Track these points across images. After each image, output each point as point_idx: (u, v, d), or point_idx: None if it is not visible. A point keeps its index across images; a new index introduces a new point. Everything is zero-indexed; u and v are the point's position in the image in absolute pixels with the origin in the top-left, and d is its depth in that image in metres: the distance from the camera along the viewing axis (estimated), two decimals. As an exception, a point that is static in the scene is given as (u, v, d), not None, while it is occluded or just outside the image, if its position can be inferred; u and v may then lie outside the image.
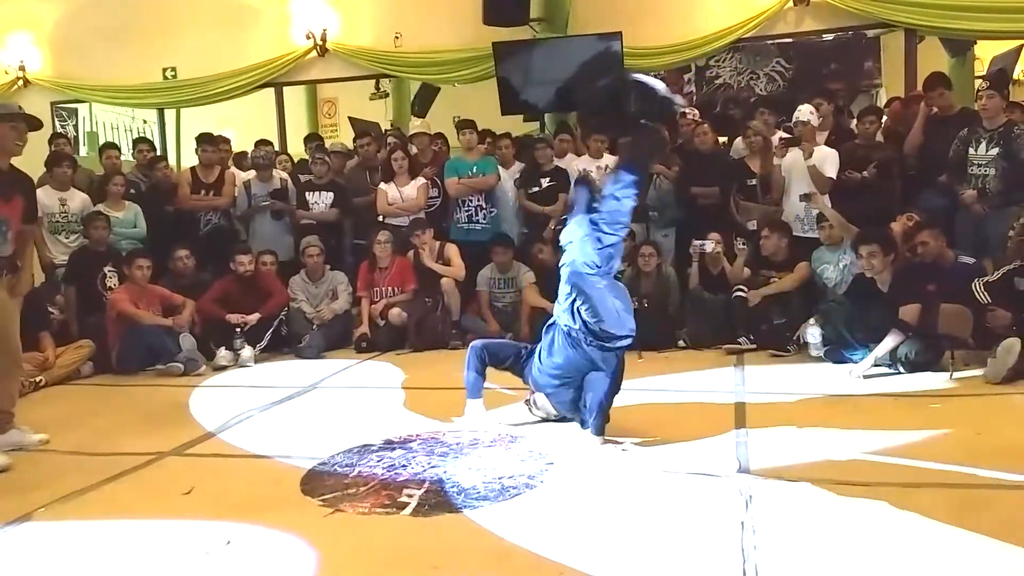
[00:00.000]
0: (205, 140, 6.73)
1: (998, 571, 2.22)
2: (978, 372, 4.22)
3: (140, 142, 7.51)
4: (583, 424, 3.51)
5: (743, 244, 5.54)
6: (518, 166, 6.60)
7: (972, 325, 4.49)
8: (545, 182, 6.35)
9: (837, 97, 7.47)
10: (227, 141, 7.23)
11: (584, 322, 3.38)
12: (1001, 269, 4.65)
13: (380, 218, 6.41)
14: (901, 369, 4.38)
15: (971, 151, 5.23)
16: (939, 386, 4.15)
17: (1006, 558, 2.28)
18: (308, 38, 7.88)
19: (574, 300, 3.40)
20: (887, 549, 2.37)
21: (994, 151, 5.14)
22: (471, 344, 3.89)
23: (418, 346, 5.78)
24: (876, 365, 4.41)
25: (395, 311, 5.94)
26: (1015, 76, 8.68)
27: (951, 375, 4.25)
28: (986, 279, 4.61)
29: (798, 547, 2.41)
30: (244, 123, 9.58)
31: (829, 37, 8.64)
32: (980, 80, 6.52)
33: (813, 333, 4.79)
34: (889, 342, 4.37)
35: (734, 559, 2.34)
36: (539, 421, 3.76)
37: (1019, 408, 3.76)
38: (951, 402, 3.88)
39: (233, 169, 6.98)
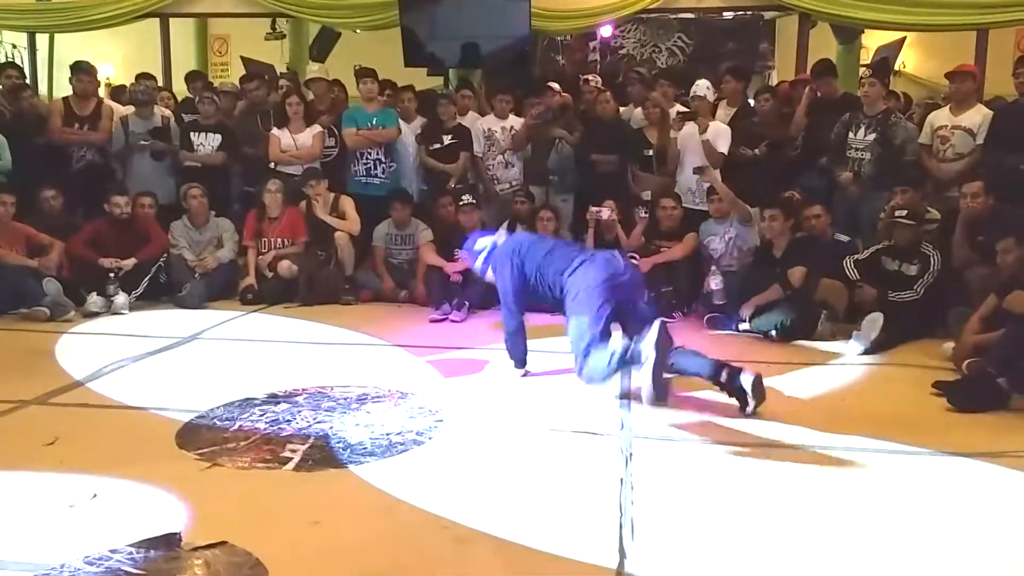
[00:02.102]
0: (81, 69, 6.21)
1: (858, 524, 2.39)
2: (844, 343, 4.51)
3: (7, 67, 6.88)
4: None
5: (645, 213, 5.66)
6: (420, 121, 6.44)
7: (847, 299, 4.80)
8: (447, 139, 6.25)
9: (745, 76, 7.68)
10: (95, 71, 6.65)
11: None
12: (870, 248, 4.98)
13: (272, 165, 6.14)
14: (775, 335, 4.64)
15: (851, 135, 5.51)
16: (809, 355, 4.40)
17: (864, 512, 2.47)
18: (200, -33, 7.42)
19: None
20: (755, 505, 2.52)
21: (871, 136, 5.43)
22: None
23: (309, 300, 5.62)
24: (752, 332, 4.66)
25: (284, 263, 5.74)
26: (896, 67, 9.21)
27: (821, 342, 4.53)
28: (856, 257, 4.93)
29: (673, 502, 2.52)
30: (125, 57, 8.96)
31: (729, 16, 8.89)
32: (865, 68, 6.86)
33: (716, 281, 5.04)
34: (770, 294, 4.76)
35: (612, 513, 2.42)
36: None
37: (879, 377, 4.04)
38: (819, 370, 4.12)
39: (110, 102, 6.50)
